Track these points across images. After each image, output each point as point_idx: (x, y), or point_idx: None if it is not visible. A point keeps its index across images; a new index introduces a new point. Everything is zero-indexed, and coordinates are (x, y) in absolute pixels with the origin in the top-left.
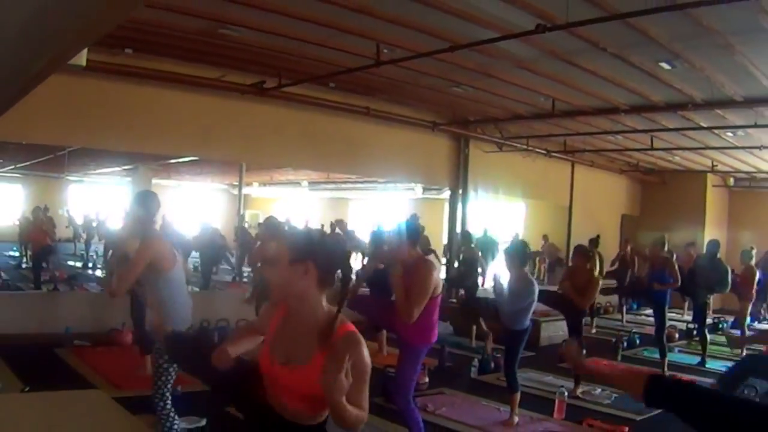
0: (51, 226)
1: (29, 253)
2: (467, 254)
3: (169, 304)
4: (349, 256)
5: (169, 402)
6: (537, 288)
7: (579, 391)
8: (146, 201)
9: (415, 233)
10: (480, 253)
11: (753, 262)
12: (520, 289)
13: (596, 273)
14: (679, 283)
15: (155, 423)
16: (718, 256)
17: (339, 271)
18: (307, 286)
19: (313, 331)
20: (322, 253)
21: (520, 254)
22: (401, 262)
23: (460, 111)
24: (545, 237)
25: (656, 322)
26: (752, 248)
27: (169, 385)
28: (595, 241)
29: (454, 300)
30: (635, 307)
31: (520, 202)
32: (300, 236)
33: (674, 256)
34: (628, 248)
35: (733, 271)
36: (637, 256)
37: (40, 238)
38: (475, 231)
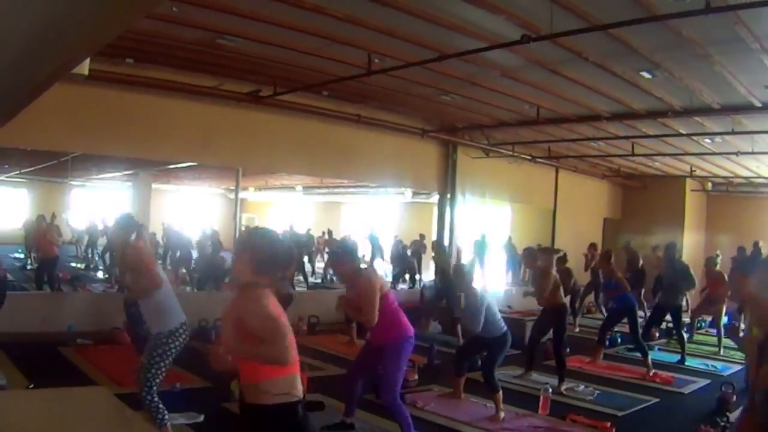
0: (57, 235)
1: (33, 255)
2: (441, 265)
3: (158, 308)
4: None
5: (155, 395)
6: (482, 294)
7: (563, 387)
8: (121, 224)
9: (352, 251)
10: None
11: (718, 267)
12: (471, 306)
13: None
14: (629, 289)
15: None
16: (677, 256)
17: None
18: (245, 270)
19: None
20: (257, 246)
21: (460, 275)
22: (346, 278)
23: (448, 118)
24: (539, 246)
25: (630, 326)
26: (718, 255)
27: (158, 380)
28: (562, 259)
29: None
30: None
31: (507, 205)
32: (244, 233)
33: (640, 262)
34: (596, 253)
35: (702, 290)
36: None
37: (47, 248)
38: (464, 235)
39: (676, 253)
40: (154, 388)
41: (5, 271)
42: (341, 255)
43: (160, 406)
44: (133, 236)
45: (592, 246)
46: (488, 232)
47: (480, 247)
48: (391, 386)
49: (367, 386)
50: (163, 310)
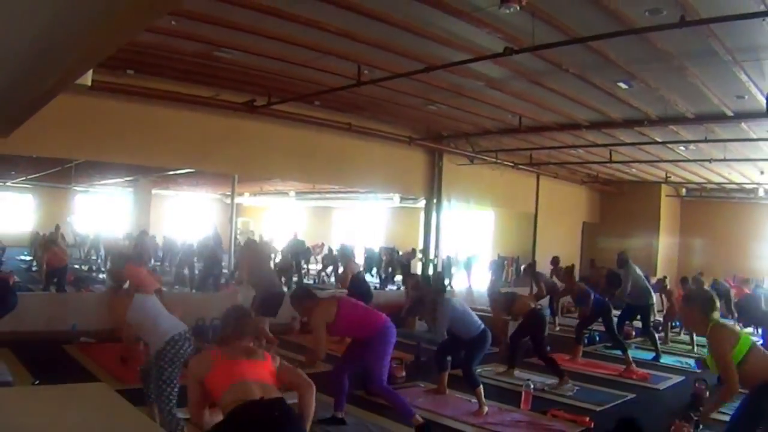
0: (64, 247)
1: (44, 267)
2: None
3: (147, 332)
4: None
5: (175, 409)
6: (450, 304)
7: (564, 385)
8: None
9: (309, 295)
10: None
11: (669, 287)
12: (439, 315)
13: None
14: (590, 295)
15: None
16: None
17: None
18: None
19: None
20: None
21: (436, 287)
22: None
23: (434, 127)
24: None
25: (605, 327)
26: (665, 277)
27: (173, 395)
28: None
29: None
30: None
31: (490, 210)
32: None
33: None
34: (558, 266)
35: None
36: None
37: (55, 261)
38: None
39: (626, 260)
40: (173, 403)
41: (11, 277)
42: (301, 298)
43: (177, 416)
44: (126, 285)
45: (556, 259)
46: (476, 252)
47: (467, 264)
48: (376, 375)
49: (354, 381)
50: (151, 333)
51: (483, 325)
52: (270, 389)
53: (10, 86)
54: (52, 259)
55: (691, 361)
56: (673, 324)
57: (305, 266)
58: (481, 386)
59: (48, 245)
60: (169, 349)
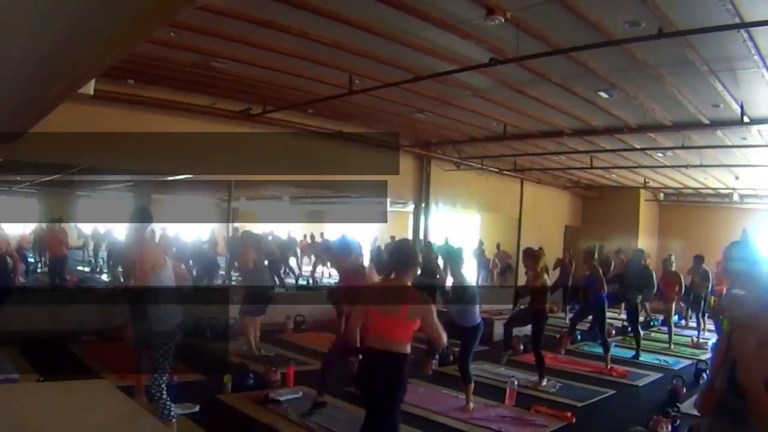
0: (65, 235)
1: (44, 259)
2: (427, 263)
3: (159, 302)
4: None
5: (165, 392)
6: (474, 289)
7: (543, 383)
8: (140, 216)
9: (353, 246)
10: (442, 260)
11: (673, 267)
12: (456, 290)
13: (544, 280)
14: (605, 287)
15: (155, 409)
16: (644, 262)
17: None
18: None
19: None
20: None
21: (453, 257)
22: (346, 273)
23: (422, 134)
24: (498, 246)
25: (598, 323)
26: (671, 255)
27: (165, 377)
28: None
29: None
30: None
31: (476, 214)
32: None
33: (612, 264)
34: (568, 255)
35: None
36: (575, 262)
37: (57, 248)
38: (437, 240)
39: (642, 258)
40: (163, 385)
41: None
42: (343, 249)
43: (168, 402)
44: (148, 230)
45: (567, 249)
46: (452, 237)
47: (445, 252)
48: None
49: (346, 378)
50: (165, 311)
51: (480, 319)
52: (386, 342)
53: (17, 95)
54: (52, 242)
55: (670, 359)
56: (651, 323)
57: (297, 267)
58: (473, 384)
59: (52, 225)
60: (177, 333)
